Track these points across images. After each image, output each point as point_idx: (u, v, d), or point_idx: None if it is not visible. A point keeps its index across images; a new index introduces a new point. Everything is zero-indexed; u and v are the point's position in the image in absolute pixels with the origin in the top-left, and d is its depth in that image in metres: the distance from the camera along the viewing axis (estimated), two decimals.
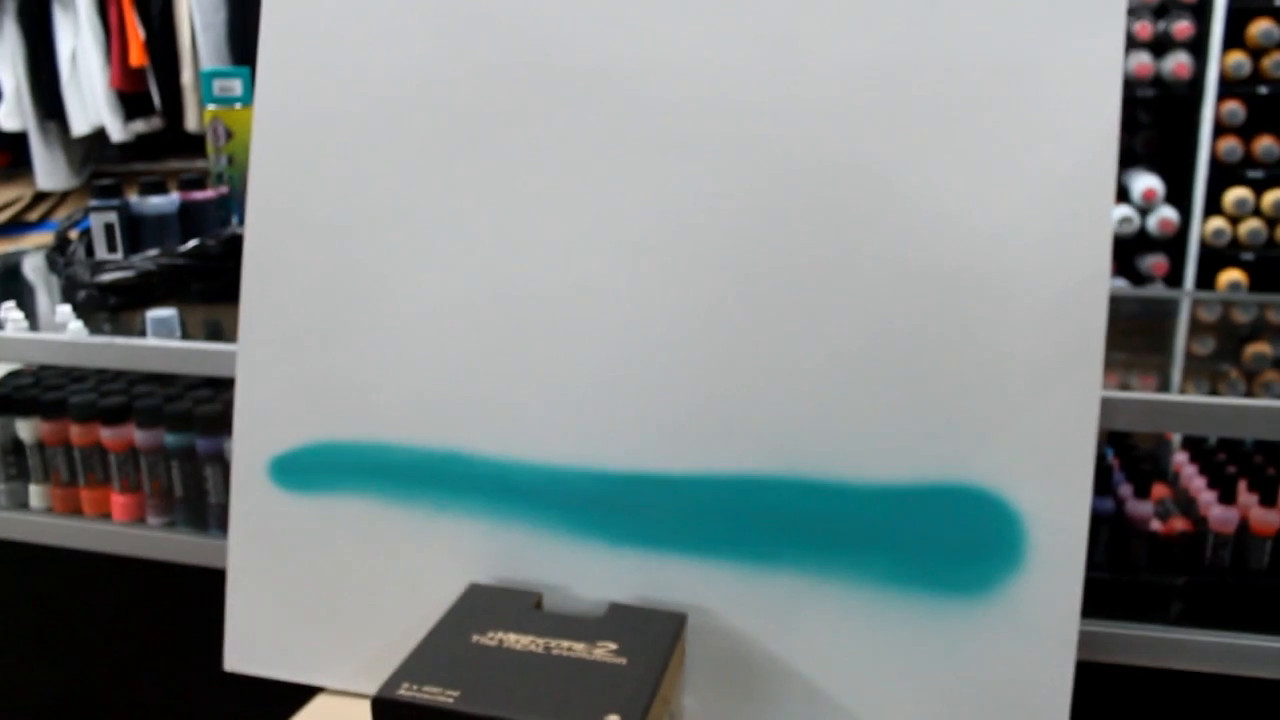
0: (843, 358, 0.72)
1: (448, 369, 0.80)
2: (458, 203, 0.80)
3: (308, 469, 0.85)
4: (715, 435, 0.75)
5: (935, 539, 0.71)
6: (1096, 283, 0.68)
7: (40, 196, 3.03)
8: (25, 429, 1.07)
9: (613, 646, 0.67)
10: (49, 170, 2.93)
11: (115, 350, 0.94)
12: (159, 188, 1.19)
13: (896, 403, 0.72)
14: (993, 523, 0.70)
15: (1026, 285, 0.70)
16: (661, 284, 0.75)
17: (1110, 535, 0.85)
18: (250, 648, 0.85)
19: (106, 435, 1.02)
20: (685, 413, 0.75)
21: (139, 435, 1.01)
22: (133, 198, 1.17)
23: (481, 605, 0.74)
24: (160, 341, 0.93)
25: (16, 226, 2.97)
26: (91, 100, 2.80)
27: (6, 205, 2.98)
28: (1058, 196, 0.69)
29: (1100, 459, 0.67)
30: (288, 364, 0.84)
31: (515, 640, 0.68)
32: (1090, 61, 0.67)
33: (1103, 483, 0.86)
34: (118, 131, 2.81)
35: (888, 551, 0.72)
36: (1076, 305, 0.69)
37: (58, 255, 1.18)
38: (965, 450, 0.70)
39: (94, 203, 1.14)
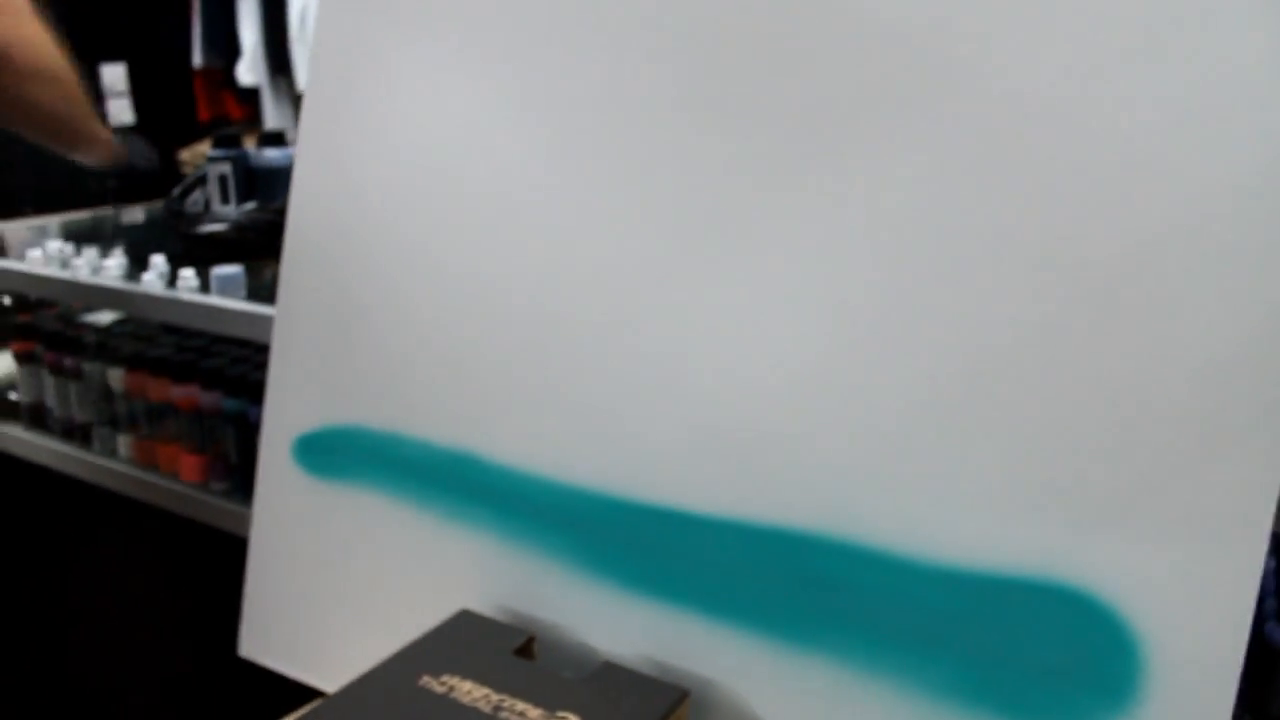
0: (927, 389, 0.56)
1: (472, 362, 0.74)
2: (497, 186, 0.72)
3: (329, 451, 0.84)
4: (754, 473, 0.62)
5: (1019, 649, 0.54)
6: None
7: None
8: (114, 377, 1.07)
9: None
10: (277, 124, 3.10)
11: (170, 304, 0.91)
12: (278, 139, 1.16)
13: (988, 459, 0.55)
14: (1099, 640, 0.52)
15: (1193, 310, 0.50)
16: (712, 285, 0.63)
17: (1263, 671, 0.64)
18: (265, 636, 0.85)
19: (176, 393, 1.00)
20: (726, 442, 0.62)
21: (203, 396, 0.98)
22: (250, 149, 1.14)
23: (459, 638, 0.67)
24: (207, 298, 0.89)
25: None
26: None
27: None
28: (1259, 192, 0.49)
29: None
30: (319, 341, 0.81)
31: (467, 691, 0.60)
32: None
33: (1260, 599, 0.66)
34: None
35: (954, 655, 0.56)
36: (1262, 346, 0.49)
37: (177, 204, 1.17)
38: (1073, 534, 0.53)
39: (212, 153, 1.13)
